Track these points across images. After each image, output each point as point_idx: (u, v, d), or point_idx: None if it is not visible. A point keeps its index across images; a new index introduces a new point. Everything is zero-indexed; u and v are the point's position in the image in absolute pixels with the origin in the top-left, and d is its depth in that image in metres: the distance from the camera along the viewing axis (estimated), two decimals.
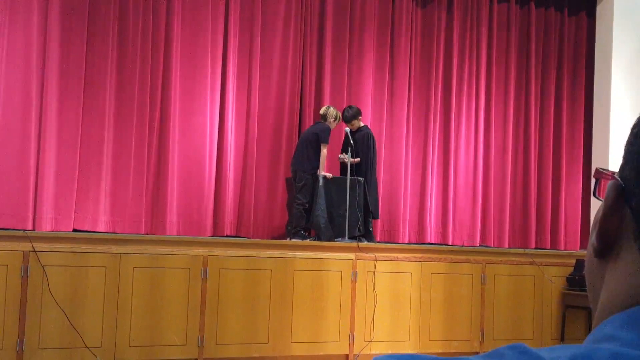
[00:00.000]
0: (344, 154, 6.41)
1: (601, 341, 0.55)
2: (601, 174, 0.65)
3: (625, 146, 0.62)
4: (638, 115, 0.63)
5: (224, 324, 5.27)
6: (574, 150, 7.88)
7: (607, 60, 7.48)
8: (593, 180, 0.65)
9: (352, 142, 6.33)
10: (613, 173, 0.63)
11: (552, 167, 7.79)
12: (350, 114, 6.46)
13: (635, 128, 0.61)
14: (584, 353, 0.52)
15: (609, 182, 0.62)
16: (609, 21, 7.52)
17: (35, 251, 4.82)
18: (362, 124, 6.56)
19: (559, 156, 7.82)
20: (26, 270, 4.79)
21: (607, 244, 0.61)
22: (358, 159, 6.33)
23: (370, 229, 6.42)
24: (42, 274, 4.81)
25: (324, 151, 6.25)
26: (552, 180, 7.78)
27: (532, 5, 7.79)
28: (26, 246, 4.83)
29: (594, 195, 0.66)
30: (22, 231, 5.15)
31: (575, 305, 6.28)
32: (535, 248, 7.47)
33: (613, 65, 7.41)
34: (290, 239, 6.06)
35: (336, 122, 6.40)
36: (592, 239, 0.62)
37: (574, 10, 7.97)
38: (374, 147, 6.50)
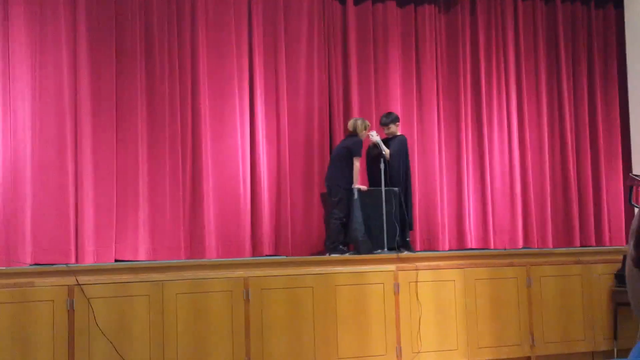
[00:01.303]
0: (374, 131, 6.37)
1: None
2: (634, 180, 0.63)
3: None
4: None
5: (269, 344, 5.26)
6: (612, 144, 7.71)
7: (639, 50, 7.32)
8: (626, 188, 0.63)
9: (383, 151, 6.29)
10: None
11: (590, 162, 7.64)
12: (390, 119, 6.48)
13: None
14: None
15: None
16: (637, 10, 7.36)
17: (79, 284, 4.89)
18: (398, 133, 6.55)
19: (596, 151, 7.67)
20: (72, 304, 4.85)
21: None
22: (388, 151, 6.29)
23: (408, 239, 6.36)
24: (88, 307, 4.87)
25: (357, 164, 6.24)
26: (592, 176, 7.63)
27: (558, 1, 7.68)
28: (70, 280, 4.90)
29: (629, 202, 0.64)
30: (65, 265, 5.23)
31: (626, 302, 6.09)
32: (580, 246, 7.31)
33: None
34: (329, 255, 6.04)
35: (366, 131, 6.39)
36: (630, 248, 0.60)
37: (600, 3, 7.84)
38: (407, 156, 6.47)
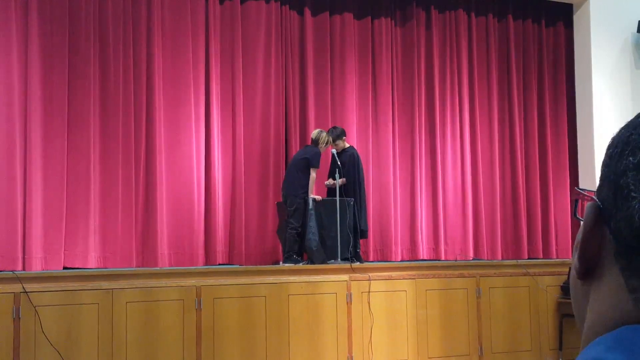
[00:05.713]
0: (330, 179, 6.43)
1: None
2: (579, 194, 0.64)
3: (601, 167, 0.62)
4: (612, 136, 0.63)
5: (221, 353, 5.21)
6: (560, 158, 7.92)
7: (587, 68, 7.56)
8: (572, 201, 0.65)
9: (339, 163, 6.34)
10: (591, 193, 0.63)
11: (539, 177, 7.82)
12: (335, 135, 6.48)
13: (609, 149, 0.61)
14: None
15: (587, 204, 0.61)
16: (586, 29, 7.60)
17: (26, 292, 4.77)
18: (347, 145, 6.59)
19: (545, 166, 7.86)
20: (18, 312, 4.73)
21: (588, 266, 0.61)
22: (344, 179, 6.35)
23: (358, 250, 6.40)
24: (34, 315, 4.76)
25: (313, 175, 6.26)
26: (540, 190, 7.81)
27: (510, 18, 7.88)
28: (16, 288, 4.78)
29: (574, 216, 0.65)
30: (11, 272, 5.10)
31: (572, 313, 6.25)
32: (528, 258, 7.47)
33: (593, 72, 7.48)
34: (283, 264, 6.03)
35: (326, 146, 6.42)
36: (574, 260, 0.62)
37: (551, 21, 8.06)
38: (360, 167, 6.52)
